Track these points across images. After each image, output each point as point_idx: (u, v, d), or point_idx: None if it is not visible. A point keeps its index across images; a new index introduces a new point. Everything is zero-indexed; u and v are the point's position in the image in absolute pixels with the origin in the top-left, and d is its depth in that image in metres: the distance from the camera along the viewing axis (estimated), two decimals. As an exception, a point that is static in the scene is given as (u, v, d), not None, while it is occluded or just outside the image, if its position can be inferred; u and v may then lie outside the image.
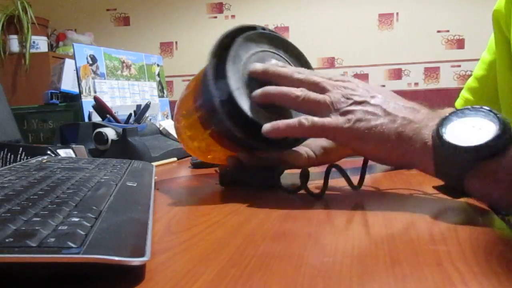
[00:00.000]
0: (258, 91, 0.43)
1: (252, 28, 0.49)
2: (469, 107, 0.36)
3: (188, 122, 0.51)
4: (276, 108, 0.45)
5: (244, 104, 0.43)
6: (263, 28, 0.50)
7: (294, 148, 0.50)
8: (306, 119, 0.41)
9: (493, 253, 0.26)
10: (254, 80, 0.45)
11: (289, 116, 0.46)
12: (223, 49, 0.45)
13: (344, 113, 0.40)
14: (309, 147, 0.53)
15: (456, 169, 0.34)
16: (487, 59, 0.75)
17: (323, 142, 0.54)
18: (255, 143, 0.44)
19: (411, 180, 0.51)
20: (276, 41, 0.50)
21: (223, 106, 0.43)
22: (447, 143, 0.34)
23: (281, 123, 0.42)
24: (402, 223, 0.34)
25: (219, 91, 0.43)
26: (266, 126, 0.42)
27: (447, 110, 0.39)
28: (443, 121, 0.35)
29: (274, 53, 0.49)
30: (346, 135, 0.40)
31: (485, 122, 0.34)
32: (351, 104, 0.40)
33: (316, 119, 0.41)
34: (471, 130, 0.34)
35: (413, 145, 0.37)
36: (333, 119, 0.40)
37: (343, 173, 0.43)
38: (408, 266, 0.24)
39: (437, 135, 0.35)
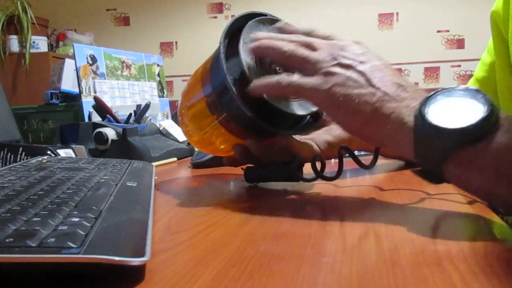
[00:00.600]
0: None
1: (263, 14, 0.49)
2: (459, 86, 0.33)
3: (193, 112, 0.51)
4: None
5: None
6: (274, 16, 0.50)
7: (302, 140, 0.50)
8: (283, 77, 0.39)
9: (493, 253, 0.26)
10: (264, 62, 0.45)
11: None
12: (235, 30, 0.45)
13: (326, 74, 0.37)
14: (314, 141, 0.53)
15: (436, 153, 0.32)
16: (487, 60, 0.75)
17: (327, 136, 0.54)
18: (264, 124, 0.43)
19: (411, 180, 0.51)
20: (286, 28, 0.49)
21: (235, 84, 0.42)
22: (428, 124, 0.31)
23: (263, 80, 0.41)
24: (402, 223, 0.34)
25: (231, 70, 0.43)
26: (252, 84, 0.41)
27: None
28: (427, 100, 0.33)
29: None
30: (321, 98, 0.38)
31: (472, 103, 0.31)
32: (334, 65, 0.37)
33: (294, 78, 0.39)
34: (457, 111, 0.32)
35: (388, 125, 0.35)
36: (313, 79, 0.38)
37: (352, 155, 0.43)
38: (408, 266, 0.24)
39: (419, 114, 0.32)
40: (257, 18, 0.47)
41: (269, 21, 0.48)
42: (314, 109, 0.47)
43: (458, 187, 0.35)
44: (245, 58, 0.43)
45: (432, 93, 0.33)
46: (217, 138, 0.50)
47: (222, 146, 0.52)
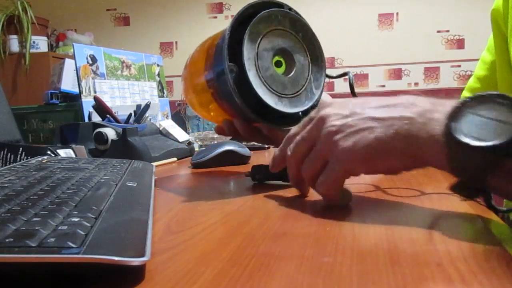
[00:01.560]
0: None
1: (280, 5, 0.50)
2: (482, 93, 0.31)
3: (194, 80, 0.54)
4: (279, 86, 0.48)
5: (251, 73, 0.45)
6: (290, 8, 0.51)
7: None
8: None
9: (493, 253, 0.26)
10: (267, 54, 0.47)
11: (294, 87, 0.48)
12: (246, 17, 0.47)
13: (336, 146, 0.36)
14: None
15: (474, 168, 0.30)
16: (487, 59, 0.75)
17: None
18: (252, 114, 0.46)
19: (411, 180, 0.51)
20: (298, 23, 0.51)
21: (232, 70, 0.45)
22: (461, 143, 0.29)
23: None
24: (402, 223, 0.34)
25: (232, 56, 0.45)
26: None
27: (450, 102, 0.33)
28: (454, 115, 0.31)
29: (292, 34, 0.50)
30: (352, 165, 0.36)
31: (503, 112, 0.29)
32: (335, 134, 0.36)
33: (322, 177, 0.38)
34: (488, 124, 0.29)
35: (423, 144, 0.32)
36: (330, 165, 0.37)
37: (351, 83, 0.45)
38: (408, 266, 0.24)
39: (448, 132, 0.30)
40: (269, 10, 0.48)
41: (282, 14, 0.49)
42: (303, 108, 0.49)
43: (503, 197, 0.34)
44: (248, 49, 0.45)
45: (456, 105, 0.31)
46: (210, 107, 0.53)
47: (213, 114, 0.55)
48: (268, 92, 0.47)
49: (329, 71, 0.53)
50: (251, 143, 0.98)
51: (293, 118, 0.49)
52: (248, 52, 0.46)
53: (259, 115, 0.47)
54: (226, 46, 0.45)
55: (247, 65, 0.45)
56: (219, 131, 0.55)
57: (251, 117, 0.47)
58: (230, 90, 0.45)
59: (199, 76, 0.52)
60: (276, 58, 0.50)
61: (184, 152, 0.86)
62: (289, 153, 0.41)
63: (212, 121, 0.58)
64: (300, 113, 0.50)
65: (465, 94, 0.80)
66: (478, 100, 0.31)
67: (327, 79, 0.54)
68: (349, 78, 0.57)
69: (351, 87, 0.58)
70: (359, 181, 0.54)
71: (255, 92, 0.45)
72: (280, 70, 0.50)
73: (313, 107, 0.51)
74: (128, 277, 0.23)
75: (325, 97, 0.57)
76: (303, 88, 0.50)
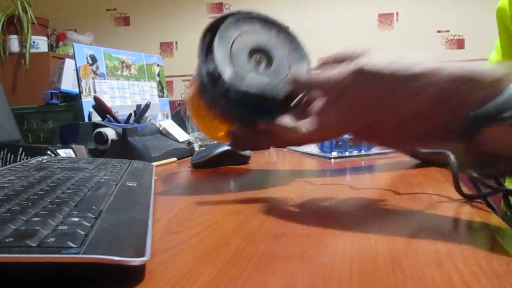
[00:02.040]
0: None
1: (248, 13, 0.51)
2: None
3: (194, 101, 0.55)
4: (262, 72, 0.48)
5: (227, 71, 0.46)
6: (259, 14, 0.51)
7: (289, 124, 0.49)
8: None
9: (493, 253, 0.26)
10: (241, 54, 0.48)
11: (275, 80, 0.48)
12: (214, 27, 0.48)
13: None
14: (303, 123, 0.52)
15: None
16: (495, 59, 0.75)
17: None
18: (239, 111, 0.46)
19: (411, 180, 0.51)
20: (269, 22, 0.51)
21: (207, 75, 0.46)
22: None
23: None
24: (402, 223, 0.34)
25: (206, 62, 0.46)
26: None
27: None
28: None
29: (264, 32, 0.51)
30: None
31: None
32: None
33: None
34: None
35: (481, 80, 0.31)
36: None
37: None
38: (408, 266, 0.24)
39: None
40: (236, 15, 0.49)
41: (250, 16, 0.50)
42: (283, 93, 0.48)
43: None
44: (218, 53, 0.46)
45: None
46: (215, 125, 0.52)
47: (220, 134, 0.54)
48: (249, 85, 0.47)
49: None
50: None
51: (283, 110, 0.49)
52: (219, 57, 0.46)
53: (246, 109, 0.46)
54: (200, 57, 0.47)
55: (220, 68, 0.45)
56: (232, 145, 0.53)
57: (243, 116, 0.47)
58: (212, 95, 0.46)
59: (195, 95, 0.52)
60: (254, 55, 0.50)
61: (184, 152, 0.86)
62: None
63: (218, 138, 0.57)
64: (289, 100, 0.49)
65: None
66: None
67: None
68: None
69: None
70: (359, 181, 0.54)
71: (234, 88, 0.45)
72: (261, 67, 0.50)
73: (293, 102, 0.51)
74: (128, 277, 0.23)
75: None
76: (285, 78, 0.50)
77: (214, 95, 0.45)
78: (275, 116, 0.48)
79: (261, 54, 0.50)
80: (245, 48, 0.49)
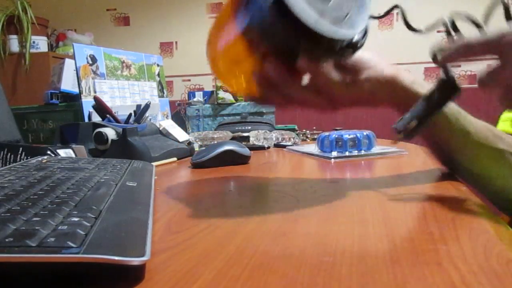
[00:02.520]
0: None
1: None
2: None
3: (223, 37, 0.47)
4: (321, 6, 0.40)
5: None
6: None
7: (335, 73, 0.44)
8: None
9: (493, 253, 0.26)
10: None
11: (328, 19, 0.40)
12: None
13: None
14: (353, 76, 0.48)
15: None
16: None
17: (371, 72, 0.49)
18: (293, 36, 0.39)
19: (411, 180, 0.51)
20: None
21: None
22: None
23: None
24: (402, 223, 0.34)
25: None
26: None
27: None
28: None
29: None
30: None
31: None
32: None
33: None
34: None
35: None
36: None
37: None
38: (408, 266, 0.24)
39: None
40: None
41: None
42: (353, 31, 0.43)
43: None
44: None
45: None
46: (242, 68, 0.45)
47: (243, 77, 0.46)
48: (307, 6, 0.39)
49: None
50: (251, 143, 0.98)
51: (345, 48, 0.44)
52: None
53: (302, 35, 0.39)
54: None
55: None
56: (251, 95, 0.46)
57: (293, 43, 0.40)
58: (268, 16, 0.38)
59: (229, 30, 0.44)
60: None
61: (184, 152, 0.86)
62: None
63: (243, 90, 0.48)
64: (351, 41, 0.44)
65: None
66: None
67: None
68: (401, 12, 0.48)
69: (406, 22, 0.49)
70: (359, 182, 0.54)
71: (292, 14, 0.38)
72: None
73: (362, 36, 0.45)
74: (128, 277, 0.23)
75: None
76: (346, 18, 0.43)
77: (257, 10, 0.38)
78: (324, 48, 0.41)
79: None
80: None
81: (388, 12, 0.44)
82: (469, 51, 0.37)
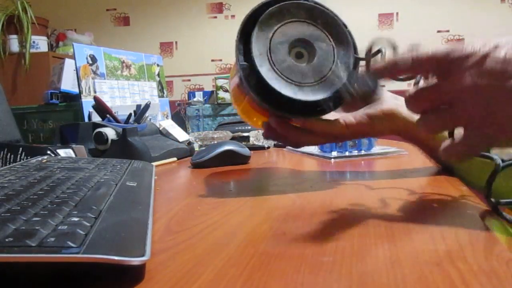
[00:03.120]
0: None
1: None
2: None
3: (231, 87, 0.54)
4: (298, 76, 0.46)
5: (264, 69, 0.44)
6: (305, 1, 0.48)
7: (327, 116, 0.48)
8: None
9: (493, 253, 0.26)
10: (282, 47, 0.46)
11: (315, 76, 0.46)
12: (256, 15, 0.46)
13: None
14: (345, 117, 0.51)
15: None
16: None
17: (369, 109, 0.51)
18: (277, 111, 0.45)
19: (411, 180, 0.51)
20: (315, 11, 0.48)
21: (243, 68, 0.45)
22: None
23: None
24: (402, 223, 0.34)
25: (242, 57, 0.45)
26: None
27: None
28: None
29: (309, 23, 0.48)
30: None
31: None
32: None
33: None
34: None
35: None
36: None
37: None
38: (408, 266, 0.24)
39: None
40: (279, 4, 0.46)
41: (294, 5, 0.47)
42: (328, 93, 0.46)
43: None
44: (257, 45, 0.45)
45: None
46: (250, 112, 0.52)
47: (255, 119, 0.54)
48: (286, 84, 0.45)
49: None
50: (251, 143, 0.98)
51: (326, 106, 0.47)
52: (258, 48, 0.45)
53: (292, 111, 0.46)
54: (237, 45, 0.45)
55: (258, 61, 0.44)
56: (265, 135, 0.53)
57: (277, 112, 0.46)
58: (248, 90, 0.45)
59: (234, 84, 0.52)
60: (296, 49, 0.48)
61: (184, 152, 0.86)
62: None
63: (257, 126, 0.56)
64: (330, 102, 0.47)
65: None
66: None
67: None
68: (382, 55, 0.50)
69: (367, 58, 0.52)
70: (359, 182, 0.54)
71: (271, 87, 0.44)
72: (302, 61, 0.48)
73: (342, 91, 0.47)
74: (128, 277, 0.23)
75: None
76: (328, 74, 0.48)
77: (251, 90, 0.45)
78: (312, 114, 0.47)
79: (302, 47, 0.48)
80: (285, 41, 0.47)
81: (374, 54, 0.47)
82: (416, 65, 0.36)
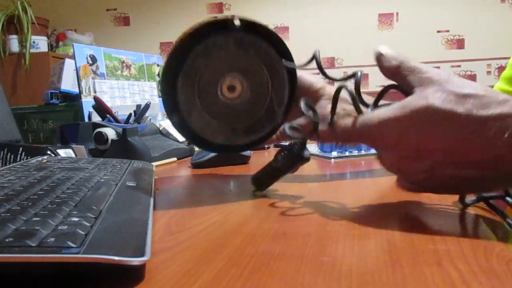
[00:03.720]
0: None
1: (224, 22, 0.43)
2: None
3: None
4: (234, 118, 0.46)
5: (194, 117, 0.44)
6: (240, 20, 0.44)
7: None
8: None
9: (493, 253, 0.26)
10: (212, 87, 0.44)
11: (243, 127, 0.47)
12: (177, 60, 0.44)
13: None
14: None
15: None
16: (508, 74, 0.76)
17: (301, 120, 0.52)
18: (215, 152, 0.49)
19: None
20: (245, 40, 0.44)
21: (175, 125, 0.46)
22: None
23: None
24: (402, 222, 0.34)
25: (171, 99, 0.44)
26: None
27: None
28: None
29: (240, 55, 0.44)
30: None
31: None
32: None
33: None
34: None
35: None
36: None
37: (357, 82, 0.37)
38: (408, 266, 0.24)
39: None
40: (203, 43, 0.43)
41: (222, 38, 0.43)
42: (261, 134, 0.47)
43: None
44: (184, 94, 0.44)
45: None
46: None
47: None
48: (217, 130, 0.45)
49: (330, 72, 0.47)
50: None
51: (262, 142, 0.49)
52: (184, 97, 0.43)
53: (221, 147, 0.48)
54: (163, 94, 0.44)
55: (186, 112, 0.43)
56: None
57: (215, 151, 0.49)
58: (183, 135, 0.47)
59: None
60: (227, 83, 0.45)
61: (184, 152, 0.86)
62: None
63: None
64: (265, 137, 0.48)
65: (500, 85, 0.81)
66: None
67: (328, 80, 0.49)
68: (356, 78, 0.45)
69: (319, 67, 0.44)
70: (359, 181, 0.54)
71: (203, 138, 0.45)
72: (235, 95, 0.45)
73: (273, 129, 0.48)
74: (128, 277, 0.23)
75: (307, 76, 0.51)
76: (263, 109, 0.46)
77: (187, 139, 0.47)
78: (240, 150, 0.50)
79: (236, 79, 0.45)
80: (215, 81, 0.44)
81: (310, 61, 0.44)
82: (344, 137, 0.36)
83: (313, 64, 0.42)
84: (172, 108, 0.44)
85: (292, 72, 0.47)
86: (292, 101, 0.48)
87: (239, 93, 0.45)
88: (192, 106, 0.44)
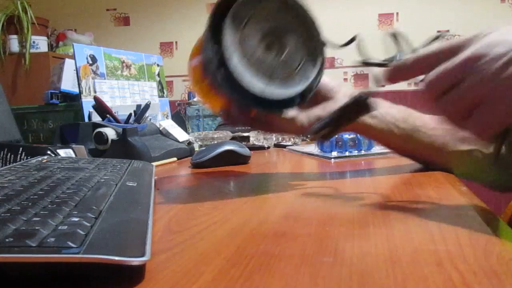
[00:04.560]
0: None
1: None
2: None
3: (193, 69, 0.53)
4: (269, 71, 0.46)
5: (234, 61, 0.44)
6: None
7: (290, 115, 0.50)
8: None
9: (493, 253, 0.26)
10: (253, 37, 0.46)
11: (284, 71, 0.46)
12: (227, 3, 0.45)
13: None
14: (300, 117, 0.52)
15: None
16: None
17: (322, 111, 0.52)
18: (243, 101, 0.46)
19: (411, 181, 0.51)
20: (289, 2, 0.47)
21: (214, 54, 0.44)
22: None
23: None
24: (401, 223, 0.34)
25: (213, 39, 0.44)
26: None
27: None
28: None
29: (281, 14, 0.47)
30: None
31: None
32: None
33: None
34: None
35: None
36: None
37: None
38: (408, 266, 0.24)
39: None
40: None
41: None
42: (296, 90, 0.47)
43: None
44: (229, 36, 0.44)
45: None
46: (210, 96, 0.52)
47: (215, 103, 0.54)
48: (255, 77, 0.45)
49: (330, 72, 0.47)
50: (251, 143, 0.98)
51: (292, 102, 0.48)
52: (229, 39, 0.44)
53: (256, 100, 0.46)
54: (208, 34, 0.44)
55: (227, 53, 0.43)
56: (225, 122, 0.57)
57: (244, 105, 0.47)
58: (217, 81, 0.44)
59: (196, 64, 0.51)
60: (267, 39, 0.47)
61: (184, 152, 0.86)
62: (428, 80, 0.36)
63: (215, 110, 0.56)
64: (295, 100, 0.48)
65: None
66: None
67: (337, 50, 0.50)
68: (359, 41, 0.50)
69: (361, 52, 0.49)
70: (359, 183, 0.54)
71: (240, 81, 0.44)
72: (272, 52, 0.47)
73: (308, 88, 0.48)
74: (128, 277, 0.23)
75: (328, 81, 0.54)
76: (298, 69, 0.48)
77: (216, 77, 0.44)
78: (274, 108, 0.48)
79: (273, 39, 0.47)
80: (257, 32, 0.46)
81: (350, 42, 0.46)
82: (421, 63, 0.37)
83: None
84: (214, 45, 0.44)
85: (323, 52, 0.50)
86: (319, 76, 0.50)
87: (276, 51, 0.47)
88: (234, 49, 0.44)
